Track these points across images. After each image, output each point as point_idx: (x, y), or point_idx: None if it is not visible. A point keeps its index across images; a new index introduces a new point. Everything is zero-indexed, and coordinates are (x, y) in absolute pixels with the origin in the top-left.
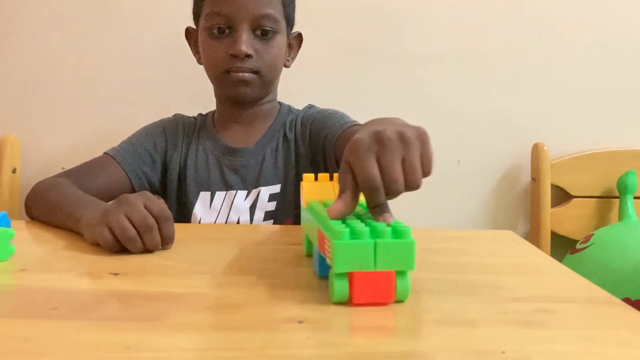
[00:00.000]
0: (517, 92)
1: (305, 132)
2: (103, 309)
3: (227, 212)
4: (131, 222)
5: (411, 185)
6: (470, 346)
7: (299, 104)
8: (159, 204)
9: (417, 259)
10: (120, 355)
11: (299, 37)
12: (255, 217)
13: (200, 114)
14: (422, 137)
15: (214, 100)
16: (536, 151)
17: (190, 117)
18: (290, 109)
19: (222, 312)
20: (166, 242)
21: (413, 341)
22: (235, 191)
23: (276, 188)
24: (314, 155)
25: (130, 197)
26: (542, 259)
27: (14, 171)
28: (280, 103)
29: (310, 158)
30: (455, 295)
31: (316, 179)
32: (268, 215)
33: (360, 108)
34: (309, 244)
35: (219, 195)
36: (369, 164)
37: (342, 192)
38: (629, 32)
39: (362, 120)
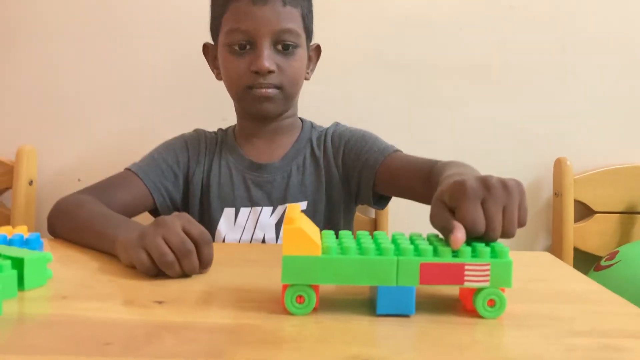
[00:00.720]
0: (539, 106)
1: (338, 152)
2: (158, 344)
3: (253, 229)
4: (169, 246)
5: (507, 234)
6: None
7: (319, 113)
8: (199, 227)
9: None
10: None
11: (318, 48)
12: (282, 234)
13: (220, 129)
14: (521, 189)
15: (232, 111)
16: (559, 166)
17: (210, 132)
18: (312, 125)
19: (282, 347)
20: (204, 266)
21: None
22: (260, 207)
23: (303, 205)
24: (347, 175)
25: (168, 220)
26: (588, 284)
27: (30, 183)
28: (301, 119)
29: (342, 178)
30: (515, 329)
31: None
32: None
33: (380, 120)
34: (307, 298)
35: (244, 211)
36: (477, 211)
37: (448, 225)
38: None
39: (384, 134)
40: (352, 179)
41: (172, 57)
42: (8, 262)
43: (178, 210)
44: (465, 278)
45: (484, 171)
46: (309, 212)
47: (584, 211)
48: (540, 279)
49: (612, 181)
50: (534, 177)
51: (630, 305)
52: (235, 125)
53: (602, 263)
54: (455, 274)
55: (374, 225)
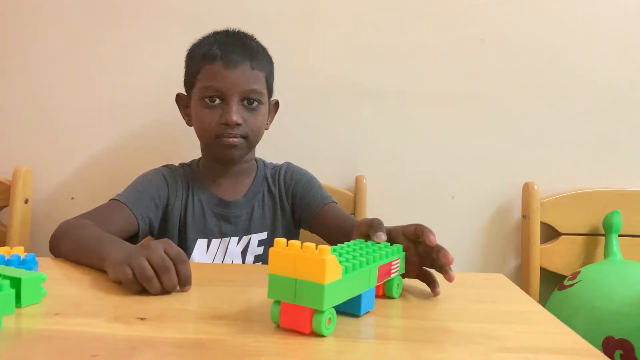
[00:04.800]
0: (509, 133)
1: (288, 191)
2: (139, 357)
3: (222, 257)
4: (150, 264)
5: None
6: None
7: (299, 141)
8: (177, 249)
9: (411, 305)
10: None
11: (277, 104)
12: (247, 260)
13: (182, 164)
14: None
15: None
16: (527, 190)
17: (176, 166)
18: (264, 163)
19: None
20: (184, 283)
21: None
22: (229, 238)
23: (264, 235)
24: (294, 210)
25: (153, 243)
26: (532, 306)
27: (26, 201)
28: (255, 159)
29: (291, 213)
30: (454, 346)
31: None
32: (257, 259)
33: (355, 147)
34: (332, 318)
35: (215, 242)
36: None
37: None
38: (615, 79)
39: (361, 159)
40: (296, 214)
41: (161, 83)
42: (7, 282)
43: (154, 236)
44: (392, 270)
45: (456, 194)
46: (269, 241)
47: (550, 233)
48: (488, 301)
49: (576, 204)
50: (504, 200)
51: (562, 325)
52: (198, 161)
53: (565, 282)
54: (389, 269)
55: None
